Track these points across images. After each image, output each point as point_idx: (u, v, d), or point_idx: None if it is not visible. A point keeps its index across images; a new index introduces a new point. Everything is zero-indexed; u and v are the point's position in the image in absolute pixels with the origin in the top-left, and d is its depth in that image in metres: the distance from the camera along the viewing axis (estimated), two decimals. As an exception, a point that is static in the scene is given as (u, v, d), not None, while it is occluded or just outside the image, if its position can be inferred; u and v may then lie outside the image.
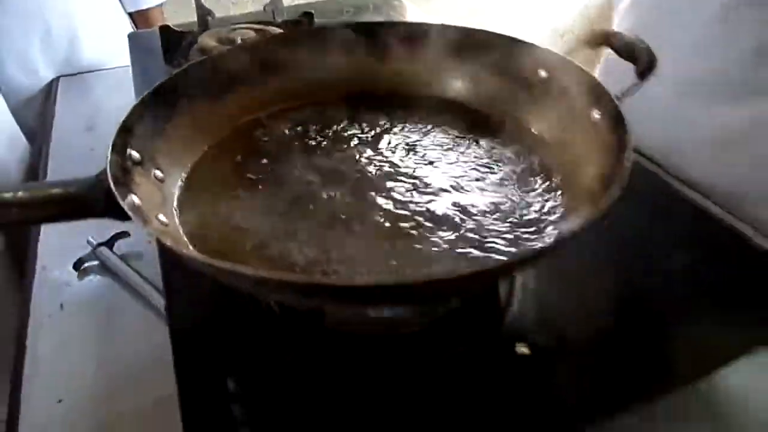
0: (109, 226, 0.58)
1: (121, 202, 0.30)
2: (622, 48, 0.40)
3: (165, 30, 0.77)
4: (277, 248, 0.36)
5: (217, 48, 0.73)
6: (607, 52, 0.53)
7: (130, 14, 1.07)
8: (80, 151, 0.76)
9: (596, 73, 0.73)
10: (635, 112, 0.67)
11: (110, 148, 0.34)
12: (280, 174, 0.43)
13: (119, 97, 0.84)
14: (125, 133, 0.36)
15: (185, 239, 0.35)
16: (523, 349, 0.38)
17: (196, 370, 0.38)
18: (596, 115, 0.38)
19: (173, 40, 0.77)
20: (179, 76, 0.42)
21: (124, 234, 0.58)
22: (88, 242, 0.58)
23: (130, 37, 0.86)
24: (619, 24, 0.70)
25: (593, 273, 0.45)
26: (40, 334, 0.51)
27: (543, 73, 0.43)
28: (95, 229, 0.59)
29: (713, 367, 0.38)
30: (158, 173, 0.38)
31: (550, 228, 0.38)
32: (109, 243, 0.58)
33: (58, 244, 0.60)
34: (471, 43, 0.47)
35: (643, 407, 0.37)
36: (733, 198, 0.57)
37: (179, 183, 0.40)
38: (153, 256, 0.49)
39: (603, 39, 0.41)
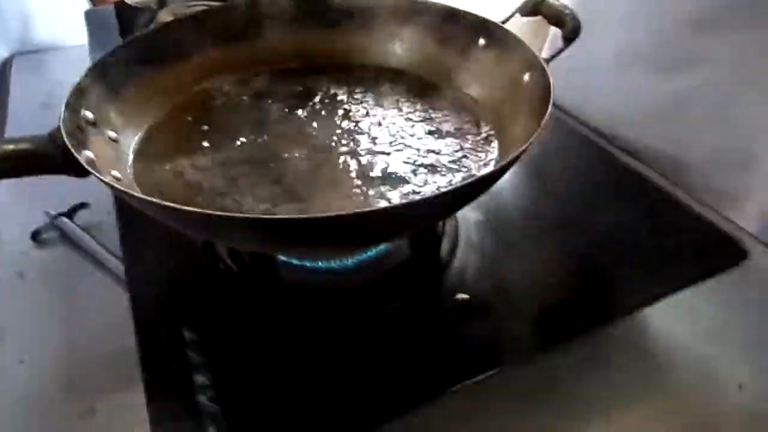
0: (65, 197, 0.59)
1: (77, 156, 0.32)
2: (551, 15, 0.43)
3: (121, 6, 0.77)
4: (228, 202, 0.38)
5: (174, 25, 0.74)
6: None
7: None
8: (37, 129, 0.76)
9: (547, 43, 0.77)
10: (580, 84, 0.71)
11: (64, 106, 0.35)
12: (234, 137, 0.45)
13: (76, 75, 0.84)
14: (79, 93, 0.37)
15: (139, 191, 0.37)
16: (462, 295, 0.42)
17: (154, 323, 0.40)
18: (526, 77, 0.41)
19: (130, 18, 0.77)
20: (135, 41, 0.43)
21: (84, 205, 0.59)
22: (47, 213, 0.59)
23: (87, 14, 0.86)
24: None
25: (535, 234, 0.49)
26: (1, 301, 0.52)
27: (482, 41, 0.46)
28: (52, 203, 0.59)
29: (636, 308, 0.42)
30: (112, 134, 0.40)
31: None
32: (69, 214, 0.59)
33: (15, 217, 0.60)
34: (416, 13, 0.49)
35: (571, 347, 0.40)
36: (671, 165, 0.61)
37: (133, 144, 0.42)
38: (113, 227, 0.50)
39: (533, 7, 0.44)
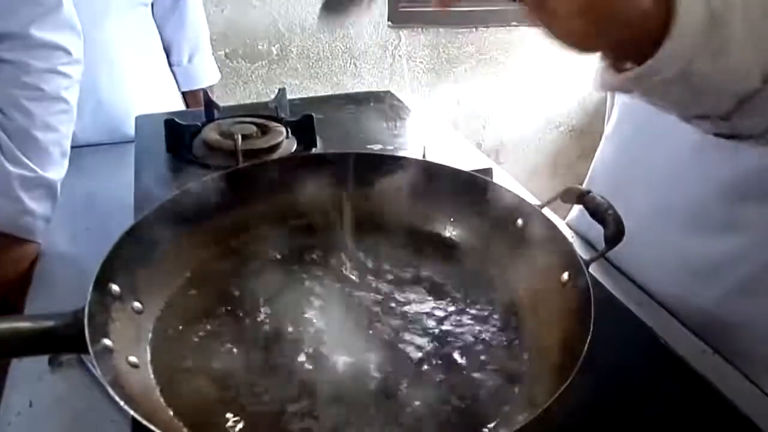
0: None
1: (90, 350, 0.31)
2: (593, 210, 0.42)
3: (169, 121, 0.80)
4: (248, 400, 0.36)
5: (219, 142, 0.76)
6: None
7: (183, 93, 1.10)
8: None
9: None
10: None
11: (92, 284, 0.35)
12: (259, 308, 0.43)
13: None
14: (108, 267, 0.37)
15: (153, 382, 0.36)
16: None
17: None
18: (565, 277, 0.39)
19: (176, 130, 0.80)
20: (164, 207, 0.43)
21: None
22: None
23: (137, 119, 0.89)
24: (603, 145, 0.73)
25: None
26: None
27: (519, 222, 0.45)
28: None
29: None
30: (137, 305, 0.39)
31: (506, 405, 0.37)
32: (88, 338, 0.58)
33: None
34: (456, 183, 0.49)
35: None
36: (702, 328, 0.58)
37: (157, 313, 0.41)
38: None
39: (576, 198, 0.43)
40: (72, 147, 0.81)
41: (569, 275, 0.39)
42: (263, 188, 0.50)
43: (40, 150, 0.74)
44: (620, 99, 0.72)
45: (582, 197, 0.42)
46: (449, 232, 0.51)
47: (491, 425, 0.35)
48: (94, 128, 0.95)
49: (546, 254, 0.42)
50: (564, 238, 0.41)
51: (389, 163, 0.51)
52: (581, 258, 0.38)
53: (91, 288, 0.35)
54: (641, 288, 0.64)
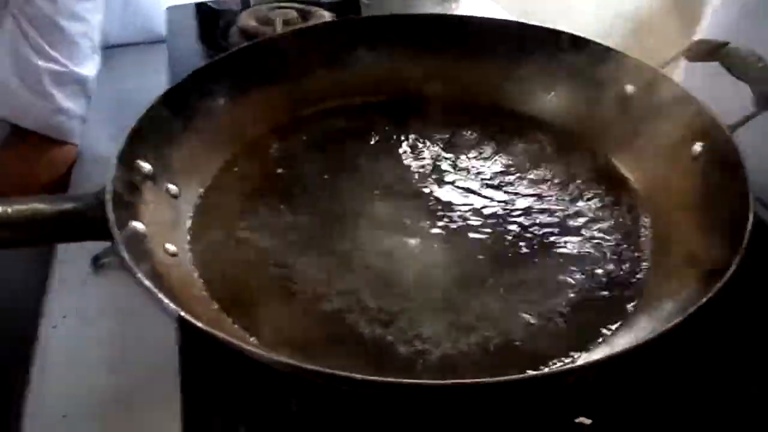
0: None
1: (116, 235, 0.25)
2: (733, 64, 0.32)
3: (201, 6, 0.72)
4: (302, 288, 0.31)
5: (257, 29, 0.68)
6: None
7: None
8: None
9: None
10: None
11: (116, 160, 0.29)
12: (309, 190, 0.37)
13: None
14: (137, 140, 0.31)
15: (193, 274, 0.30)
16: (584, 419, 0.33)
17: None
18: (698, 148, 0.31)
19: (210, 18, 0.73)
20: (201, 72, 0.36)
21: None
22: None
23: (169, 11, 0.82)
24: (710, 23, 0.60)
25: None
26: (52, 334, 0.48)
27: (629, 89, 0.36)
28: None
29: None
30: (172, 187, 0.33)
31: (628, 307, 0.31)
32: (129, 239, 0.55)
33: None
34: (550, 48, 0.40)
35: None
36: None
37: (196, 199, 0.35)
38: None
39: (706, 53, 0.33)
40: (103, 48, 0.76)
41: (703, 146, 0.30)
42: (316, 59, 0.42)
43: (67, 42, 0.68)
44: None
45: (717, 50, 0.32)
46: (545, 108, 0.42)
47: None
48: (123, 26, 0.89)
49: (669, 123, 0.33)
50: (693, 100, 0.32)
51: (464, 26, 0.41)
52: (723, 122, 0.29)
53: (115, 162, 0.29)
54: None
